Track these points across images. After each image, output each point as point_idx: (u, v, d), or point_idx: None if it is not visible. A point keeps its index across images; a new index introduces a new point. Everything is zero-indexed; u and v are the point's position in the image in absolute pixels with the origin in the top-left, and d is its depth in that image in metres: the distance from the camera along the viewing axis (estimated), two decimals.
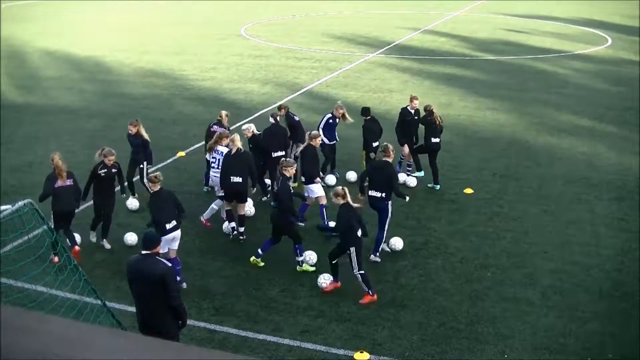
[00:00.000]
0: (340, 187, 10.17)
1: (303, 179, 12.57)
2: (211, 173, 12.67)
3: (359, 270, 9.87)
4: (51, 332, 2.47)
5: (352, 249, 9.81)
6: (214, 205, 12.56)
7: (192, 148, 16.25)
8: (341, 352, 8.80)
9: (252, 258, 11.07)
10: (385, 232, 11.24)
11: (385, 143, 11.78)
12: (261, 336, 9.13)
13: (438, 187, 14.24)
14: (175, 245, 10.25)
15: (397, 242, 11.56)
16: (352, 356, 8.66)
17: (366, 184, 11.39)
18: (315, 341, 9.00)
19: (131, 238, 11.71)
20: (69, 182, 10.88)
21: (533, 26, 37.70)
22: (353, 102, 20.27)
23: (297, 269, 10.90)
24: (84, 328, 2.64)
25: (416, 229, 12.49)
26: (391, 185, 11.15)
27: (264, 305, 9.91)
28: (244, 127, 13.48)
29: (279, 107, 14.85)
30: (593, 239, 12.09)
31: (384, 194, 11.11)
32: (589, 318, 9.57)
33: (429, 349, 8.88)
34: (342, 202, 9.89)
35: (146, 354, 2.35)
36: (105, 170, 11.43)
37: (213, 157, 12.43)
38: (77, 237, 11.17)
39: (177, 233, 10.18)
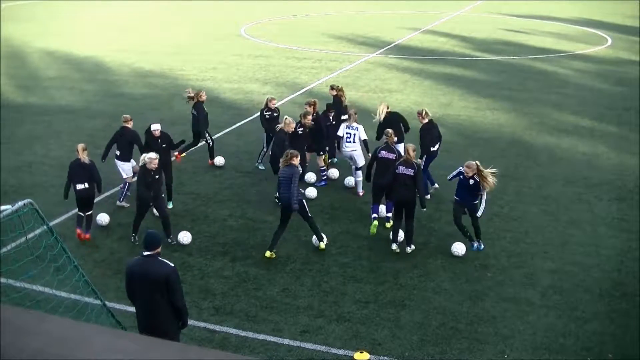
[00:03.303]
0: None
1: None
2: (344, 147, 14.08)
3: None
4: (51, 332, 2.47)
5: None
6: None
7: (192, 147, 16.22)
8: (341, 352, 8.79)
9: (377, 224, 12.23)
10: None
11: (423, 109, 13.93)
12: (261, 336, 9.13)
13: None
14: None
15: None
16: (352, 356, 8.66)
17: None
18: (315, 341, 9.00)
19: (104, 219, 12.53)
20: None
21: (533, 26, 37.69)
22: (354, 102, 20.24)
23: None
24: (83, 328, 2.64)
25: (416, 229, 12.47)
26: (440, 138, 13.94)
27: (264, 305, 9.91)
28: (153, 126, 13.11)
29: (200, 94, 15.79)
30: (593, 239, 12.09)
31: (439, 144, 13.90)
32: (589, 318, 9.57)
33: (429, 349, 8.88)
34: None
35: (146, 354, 2.36)
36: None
37: (347, 133, 13.96)
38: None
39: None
